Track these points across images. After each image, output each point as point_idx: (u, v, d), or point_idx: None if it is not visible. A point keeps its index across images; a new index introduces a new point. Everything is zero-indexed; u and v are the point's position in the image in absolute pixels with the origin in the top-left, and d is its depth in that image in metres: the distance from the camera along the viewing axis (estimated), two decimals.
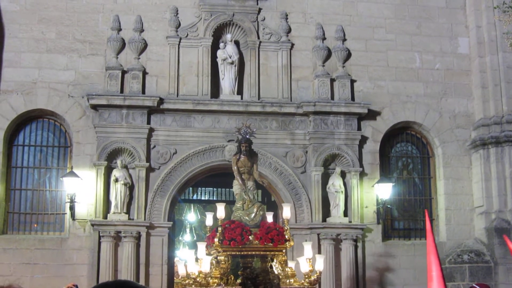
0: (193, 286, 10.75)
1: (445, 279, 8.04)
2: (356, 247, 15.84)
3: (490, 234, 15.91)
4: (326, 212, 15.81)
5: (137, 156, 15.41)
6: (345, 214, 15.80)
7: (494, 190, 16.07)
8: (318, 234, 15.58)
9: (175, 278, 15.13)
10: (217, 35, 16.49)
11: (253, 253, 11.27)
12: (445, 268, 15.75)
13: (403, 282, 16.03)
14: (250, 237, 11.06)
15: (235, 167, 11.77)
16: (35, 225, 15.58)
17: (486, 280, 14.63)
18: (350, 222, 15.79)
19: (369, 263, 15.97)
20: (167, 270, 15.44)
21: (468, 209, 16.55)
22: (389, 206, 16.23)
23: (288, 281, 10.81)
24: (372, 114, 16.52)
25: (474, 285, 8.02)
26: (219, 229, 10.89)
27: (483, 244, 15.97)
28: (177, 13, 16.42)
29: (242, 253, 11.21)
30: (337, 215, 15.70)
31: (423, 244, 16.37)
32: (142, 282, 14.97)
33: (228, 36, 16.39)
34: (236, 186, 11.92)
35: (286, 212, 11.39)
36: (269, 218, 11.61)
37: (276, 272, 11.03)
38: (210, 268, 10.86)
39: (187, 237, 26.43)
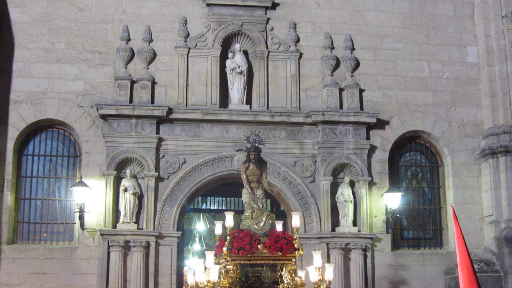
0: None
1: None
2: (365, 256, 15.79)
3: (500, 244, 15.83)
4: (335, 222, 15.79)
5: (146, 166, 15.44)
6: (354, 223, 15.77)
7: (503, 199, 16.01)
8: (327, 244, 15.55)
9: (184, 287, 15.16)
10: (226, 45, 16.54)
11: (262, 262, 11.20)
12: (455, 278, 15.67)
13: None
14: (259, 246, 10.97)
15: (244, 176, 11.71)
16: (45, 234, 15.61)
17: None
18: (359, 231, 15.76)
19: (379, 273, 15.91)
20: (176, 279, 15.44)
21: (477, 219, 16.50)
22: (398, 215, 16.19)
23: None
24: (381, 124, 16.51)
25: None
26: (228, 238, 10.86)
27: (493, 254, 15.90)
28: (186, 23, 16.47)
29: (251, 262, 11.12)
30: (346, 224, 15.67)
31: (433, 254, 16.36)
32: None
33: (237, 46, 16.42)
34: (245, 195, 11.86)
35: (296, 220, 11.29)
36: (279, 227, 11.55)
37: (285, 281, 10.93)
38: (219, 277, 10.81)
39: (196, 246, 26.45)
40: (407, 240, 16.75)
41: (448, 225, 16.62)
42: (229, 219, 10.93)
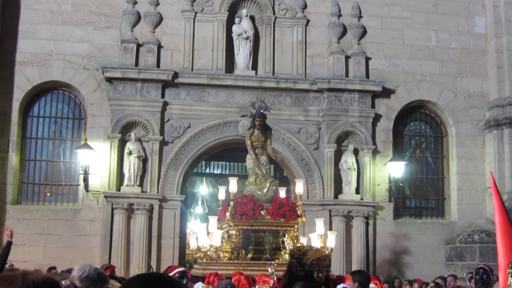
0: (204, 259, 10.78)
1: None
2: (367, 224, 15.89)
3: None
4: (338, 189, 15.86)
5: (151, 130, 15.47)
6: (357, 191, 15.85)
7: (507, 170, 16.03)
8: (330, 211, 15.63)
9: (186, 249, 15.30)
10: (233, 10, 16.45)
11: (265, 228, 11.28)
12: (455, 247, 15.79)
13: (414, 260, 16.08)
14: (262, 212, 11.04)
15: (249, 142, 11.74)
16: (49, 194, 15.69)
17: (496, 261, 14.61)
18: (361, 199, 15.84)
19: (380, 241, 16.03)
20: (179, 242, 15.58)
21: (480, 189, 16.55)
22: (401, 184, 16.25)
23: None
24: (387, 92, 16.48)
25: (482, 265, 8.00)
26: (231, 203, 10.91)
27: (494, 225, 15.93)
28: None
29: (254, 227, 11.21)
30: (349, 192, 15.75)
31: (434, 223, 16.46)
32: (154, 254, 15.13)
33: (244, 11, 16.33)
34: (249, 161, 11.88)
35: (299, 187, 11.36)
36: (282, 193, 11.61)
37: (287, 247, 10.96)
38: (221, 242, 10.89)
39: (198, 209, 26.54)
40: (409, 209, 16.84)
41: (450, 195, 16.68)
42: (233, 185, 10.98)
